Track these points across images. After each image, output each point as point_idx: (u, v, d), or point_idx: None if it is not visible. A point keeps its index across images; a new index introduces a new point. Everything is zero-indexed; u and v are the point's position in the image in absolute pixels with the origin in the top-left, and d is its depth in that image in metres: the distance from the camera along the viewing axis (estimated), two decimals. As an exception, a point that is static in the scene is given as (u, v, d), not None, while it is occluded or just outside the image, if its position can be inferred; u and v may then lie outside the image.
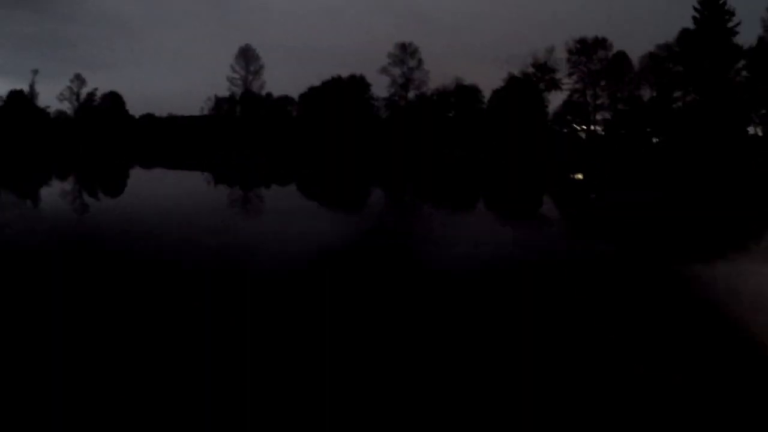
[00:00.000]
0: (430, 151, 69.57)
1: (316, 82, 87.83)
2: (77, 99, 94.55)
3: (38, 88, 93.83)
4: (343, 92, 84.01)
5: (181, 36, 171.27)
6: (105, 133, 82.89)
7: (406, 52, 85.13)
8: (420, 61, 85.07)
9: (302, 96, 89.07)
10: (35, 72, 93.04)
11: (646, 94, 75.72)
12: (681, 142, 63.44)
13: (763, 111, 63.42)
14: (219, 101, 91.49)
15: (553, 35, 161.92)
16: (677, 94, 71.36)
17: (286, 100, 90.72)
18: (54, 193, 26.44)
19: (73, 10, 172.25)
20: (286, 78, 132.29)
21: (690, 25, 67.19)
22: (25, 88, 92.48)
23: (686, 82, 69.30)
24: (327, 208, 21.77)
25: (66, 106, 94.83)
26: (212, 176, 39.59)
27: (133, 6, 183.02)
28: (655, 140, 71.43)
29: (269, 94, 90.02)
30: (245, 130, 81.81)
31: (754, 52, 63.14)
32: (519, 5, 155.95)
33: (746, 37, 66.47)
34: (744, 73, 64.69)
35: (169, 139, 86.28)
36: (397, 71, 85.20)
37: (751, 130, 64.88)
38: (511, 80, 79.42)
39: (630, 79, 77.25)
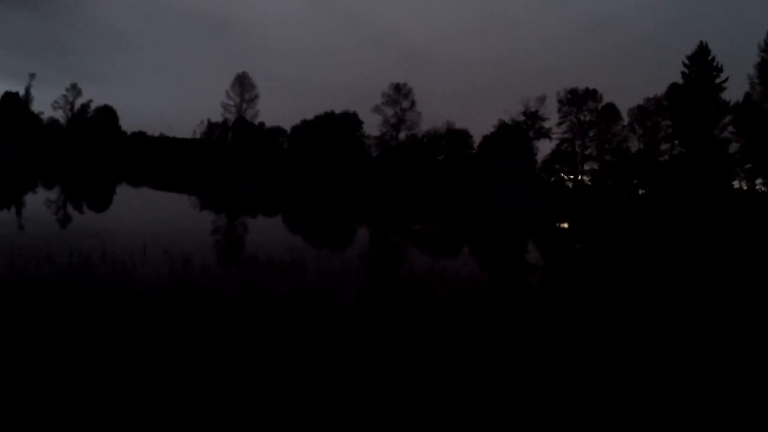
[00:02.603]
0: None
1: (310, 116, 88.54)
2: (71, 109, 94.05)
3: (33, 92, 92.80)
4: (335, 128, 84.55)
5: (179, 57, 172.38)
6: (95, 147, 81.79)
7: (399, 93, 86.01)
8: (413, 103, 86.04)
9: (294, 129, 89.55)
10: (32, 76, 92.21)
11: (634, 145, 76.72)
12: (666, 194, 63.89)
13: (749, 165, 64.24)
14: (211, 126, 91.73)
15: (545, 83, 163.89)
16: (664, 146, 72.39)
17: (278, 131, 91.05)
18: (39, 202, 26.31)
19: (74, 17, 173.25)
20: (279, 109, 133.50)
21: (679, 79, 68.58)
22: (21, 91, 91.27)
23: (673, 136, 70.38)
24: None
25: (59, 115, 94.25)
26: (199, 201, 39.32)
27: (135, 22, 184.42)
28: (641, 191, 71.96)
29: (262, 124, 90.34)
30: (236, 158, 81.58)
31: (741, 108, 64.26)
32: (513, 52, 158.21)
33: (733, 93, 67.82)
34: (730, 128, 65.76)
35: (159, 158, 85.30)
36: (389, 111, 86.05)
37: (736, 184, 65.73)
38: (501, 126, 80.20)
39: (618, 131, 78.33)
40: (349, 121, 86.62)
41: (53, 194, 31.50)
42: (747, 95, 64.84)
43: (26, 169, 54.27)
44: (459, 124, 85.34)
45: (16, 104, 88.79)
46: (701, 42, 67.49)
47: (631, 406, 6.00)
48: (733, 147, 65.49)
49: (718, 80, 66.21)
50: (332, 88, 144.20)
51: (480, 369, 6.69)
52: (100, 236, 14.96)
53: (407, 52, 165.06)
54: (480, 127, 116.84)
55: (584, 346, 8.30)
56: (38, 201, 26.43)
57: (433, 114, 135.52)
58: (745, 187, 65.31)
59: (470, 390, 6.08)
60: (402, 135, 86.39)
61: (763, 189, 64.11)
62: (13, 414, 4.73)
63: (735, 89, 73.73)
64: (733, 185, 65.13)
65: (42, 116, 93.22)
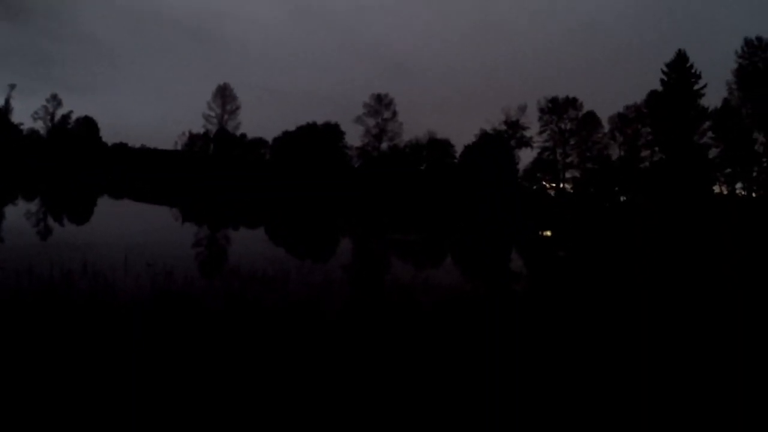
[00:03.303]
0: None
1: (291, 126, 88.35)
2: (51, 120, 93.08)
3: (13, 103, 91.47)
4: (316, 139, 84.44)
5: (160, 68, 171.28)
6: (76, 158, 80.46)
7: (381, 104, 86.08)
8: (395, 113, 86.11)
9: (276, 140, 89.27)
10: (12, 86, 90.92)
11: (615, 153, 77.29)
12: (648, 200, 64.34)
13: (728, 170, 64.93)
14: (193, 137, 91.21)
15: (526, 92, 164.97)
16: (645, 153, 72.98)
17: (260, 142, 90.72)
18: (18, 213, 26.09)
19: (54, 26, 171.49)
20: (261, 120, 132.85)
21: (658, 87, 69.19)
22: (0, 102, 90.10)
23: (653, 142, 70.99)
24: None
25: (39, 126, 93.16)
26: (181, 212, 38.99)
27: (117, 32, 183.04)
28: (622, 198, 72.38)
29: (243, 135, 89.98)
30: (217, 169, 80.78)
31: (719, 114, 64.99)
32: (494, 61, 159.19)
33: (712, 99, 68.54)
34: (709, 133, 66.46)
35: (140, 170, 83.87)
36: (371, 121, 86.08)
37: (716, 188, 66.30)
38: (483, 136, 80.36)
39: (599, 139, 78.90)
40: (331, 131, 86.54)
41: (33, 206, 31.22)
42: (725, 101, 65.64)
43: (5, 180, 53.73)
44: (441, 134, 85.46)
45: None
46: (679, 49, 68.19)
47: (617, 407, 5.99)
48: (713, 152, 66.18)
49: (696, 87, 66.86)
50: (314, 98, 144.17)
51: (468, 374, 6.65)
52: (81, 249, 14.76)
53: (389, 63, 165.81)
54: (462, 137, 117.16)
55: (567, 350, 8.29)
56: (18, 213, 26.18)
57: (415, 124, 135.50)
58: (725, 192, 65.97)
59: (459, 394, 6.05)
60: (384, 145, 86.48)
61: (743, 193, 64.82)
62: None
63: (713, 95, 74.47)
64: (713, 190, 65.76)
65: (22, 127, 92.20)
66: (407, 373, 6.70)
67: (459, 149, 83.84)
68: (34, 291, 9.51)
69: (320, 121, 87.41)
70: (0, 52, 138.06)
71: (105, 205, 39.94)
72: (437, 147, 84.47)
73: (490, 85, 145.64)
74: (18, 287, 9.61)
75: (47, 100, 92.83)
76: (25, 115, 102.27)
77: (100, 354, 6.53)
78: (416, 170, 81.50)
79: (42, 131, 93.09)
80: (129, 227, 24.40)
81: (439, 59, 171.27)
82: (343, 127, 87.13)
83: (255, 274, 12.68)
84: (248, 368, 6.46)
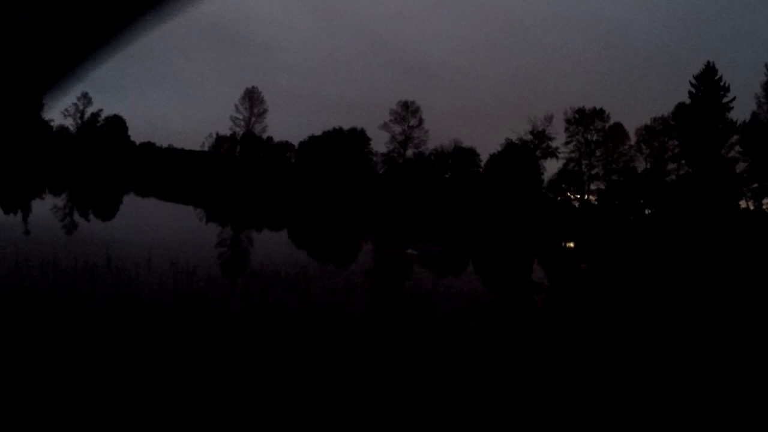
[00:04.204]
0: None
1: (318, 131, 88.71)
2: (81, 117, 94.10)
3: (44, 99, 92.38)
4: (342, 144, 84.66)
5: (190, 69, 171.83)
6: (104, 156, 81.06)
7: (407, 111, 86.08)
8: (421, 120, 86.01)
9: (302, 143, 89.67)
10: None
11: (641, 165, 76.59)
12: (673, 214, 63.66)
13: (755, 185, 63.89)
14: (219, 139, 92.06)
15: (553, 102, 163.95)
16: (671, 166, 72.27)
17: (286, 145, 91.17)
18: (47, 207, 26.58)
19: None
20: (288, 123, 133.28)
21: (686, 99, 68.44)
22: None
23: (680, 155, 70.24)
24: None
25: (69, 123, 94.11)
26: (205, 212, 39.30)
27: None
28: (647, 211, 71.62)
29: (270, 138, 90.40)
30: (243, 171, 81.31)
31: (748, 128, 64.04)
32: (522, 70, 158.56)
33: (740, 112, 67.59)
34: (737, 147, 65.46)
35: (167, 169, 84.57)
36: (397, 128, 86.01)
37: (742, 204, 65.25)
38: (509, 146, 79.95)
39: (625, 151, 78.26)
40: (357, 137, 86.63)
41: (60, 201, 31.70)
42: (754, 115, 64.60)
43: (35, 174, 54.51)
44: (466, 142, 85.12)
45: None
46: (708, 62, 67.25)
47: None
48: (740, 167, 65.14)
49: (725, 100, 65.94)
50: (341, 104, 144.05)
51: (487, 386, 6.68)
52: (105, 245, 14.96)
53: (417, 70, 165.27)
54: (487, 146, 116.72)
55: (584, 362, 8.28)
56: (45, 207, 26.65)
57: (440, 132, 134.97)
58: (751, 207, 64.90)
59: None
60: (409, 152, 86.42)
61: (770, 209, 63.71)
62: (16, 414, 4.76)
63: (742, 109, 73.37)
64: (739, 205, 64.71)
65: (52, 123, 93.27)
66: (423, 382, 6.75)
67: (484, 158, 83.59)
68: (58, 284, 9.69)
69: (346, 126, 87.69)
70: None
71: (131, 202, 40.37)
72: (462, 155, 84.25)
73: (516, 95, 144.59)
74: (43, 279, 9.81)
75: (78, 98, 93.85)
76: (55, 111, 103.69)
77: (120, 347, 6.65)
78: (441, 178, 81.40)
79: (72, 128, 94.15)
80: (154, 225, 24.67)
81: (467, 68, 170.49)
82: (369, 133, 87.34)
83: (277, 276, 12.79)
84: (263, 370, 6.55)
